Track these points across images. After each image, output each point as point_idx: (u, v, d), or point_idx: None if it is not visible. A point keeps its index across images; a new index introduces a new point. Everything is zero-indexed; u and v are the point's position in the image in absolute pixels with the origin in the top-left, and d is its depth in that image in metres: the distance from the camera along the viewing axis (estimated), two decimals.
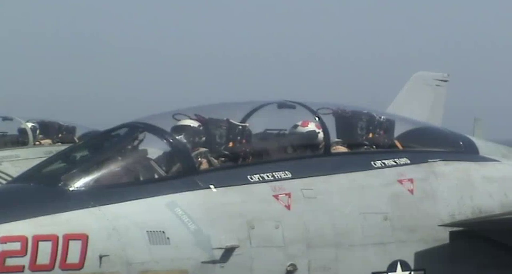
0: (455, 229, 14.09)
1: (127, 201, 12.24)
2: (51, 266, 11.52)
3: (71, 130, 27.04)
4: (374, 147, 14.52)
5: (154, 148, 13.42)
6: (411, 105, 30.48)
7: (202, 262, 12.33)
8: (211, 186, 12.73)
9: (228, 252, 12.46)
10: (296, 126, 14.08)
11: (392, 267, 13.59)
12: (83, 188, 12.33)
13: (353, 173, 13.77)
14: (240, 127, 13.85)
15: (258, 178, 13.05)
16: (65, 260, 11.59)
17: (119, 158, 12.92)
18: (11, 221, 11.50)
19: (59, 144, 25.86)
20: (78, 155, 13.56)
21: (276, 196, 13.02)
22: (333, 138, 14.26)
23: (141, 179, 12.91)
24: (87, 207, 11.97)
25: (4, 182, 20.99)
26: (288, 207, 12.99)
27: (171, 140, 13.25)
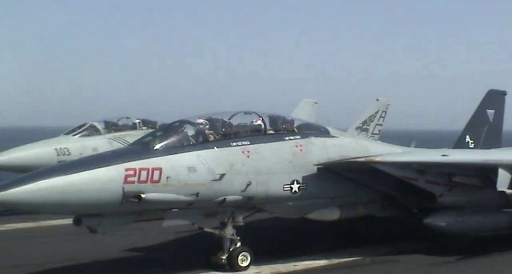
0: (319, 166, 18.50)
1: (178, 153, 15.80)
2: (146, 181, 15.09)
3: (154, 123, 33.60)
4: (285, 131, 18.49)
5: (190, 130, 16.75)
6: (301, 115, 34.67)
7: (211, 180, 16.12)
8: (215, 147, 16.58)
9: (222, 176, 16.34)
10: (252, 122, 17.99)
11: (292, 182, 18.04)
12: (160, 148, 15.72)
13: (276, 142, 17.92)
14: (227, 122, 17.49)
15: (235, 144, 17.02)
16: (152, 178, 15.20)
17: (175, 135, 16.38)
18: (129, 161, 15.05)
19: (150, 129, 32.51)
20: (158, 133, 16.79)
21: (243, 152, 17.09)
22: (268, 127, 18.27)
23: (184, 144, 16.22)
24: (161, 156, 15.51)
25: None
26: (248, 156, 17.10)
27: (197, 128, 16.76)
